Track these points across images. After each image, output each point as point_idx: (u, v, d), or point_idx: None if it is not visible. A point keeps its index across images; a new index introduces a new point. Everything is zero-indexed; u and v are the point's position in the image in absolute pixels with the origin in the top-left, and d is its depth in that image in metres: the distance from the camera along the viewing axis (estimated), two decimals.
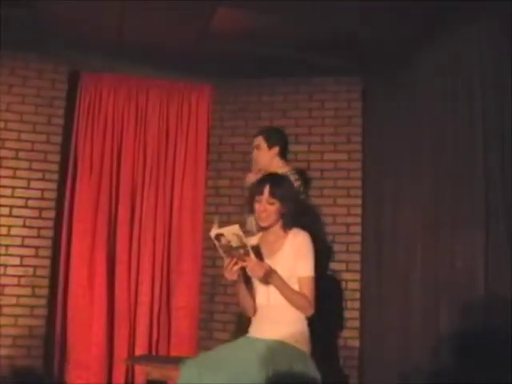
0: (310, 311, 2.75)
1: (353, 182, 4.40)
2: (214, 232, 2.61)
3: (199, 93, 4.80)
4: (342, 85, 4.52)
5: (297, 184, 3.43)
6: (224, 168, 4.63)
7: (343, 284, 4.26)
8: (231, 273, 2.66)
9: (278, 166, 3.53)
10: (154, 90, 4.76)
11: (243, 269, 2.67)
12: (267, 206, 2.80)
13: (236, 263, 2.64)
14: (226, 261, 2.65)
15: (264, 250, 2.81)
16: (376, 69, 4.26)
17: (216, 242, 2.61)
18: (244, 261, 2.62)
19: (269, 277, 2.68)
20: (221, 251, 2.64)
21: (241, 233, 2.58)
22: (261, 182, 2.87)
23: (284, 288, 2.72)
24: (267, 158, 3.60)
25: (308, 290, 2.74)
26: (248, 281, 2.79)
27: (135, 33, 3.98)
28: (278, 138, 3.62)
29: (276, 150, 3.60)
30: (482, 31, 3.08)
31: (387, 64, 4.11)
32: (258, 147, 3.63)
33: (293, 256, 2.75)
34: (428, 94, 3.64)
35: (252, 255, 2.62)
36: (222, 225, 2.71)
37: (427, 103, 3.64)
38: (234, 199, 4.52)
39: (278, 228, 2.85)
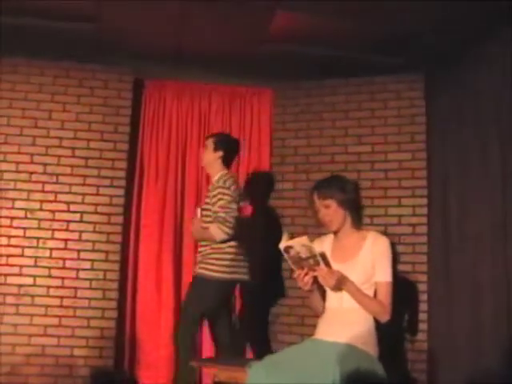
0: (386, 317, 2.71)
1: (418, 181, 4.31)
2: (283, 244, 2.64)
3: (261, 96, 4.83)
4: (404, 83, 4.44)
5: (233, 188, 3.73)
6: (287, 171, 4.63)
7: (410, 286, 4.19)
8: (304, 283, 2.68)
9: (217, 169, 3.86)
10: (216, 95, 4.83)
11: (315, 276, 2.68)
12: (325, 211, 2.79)
13: (307, 273, 2.66)
14: (297, 272, 2.68)
15: (338, 254, 2.80)
16: (439, 66, 4.16)
17: (285, 254, 2.65)
18: (314, 270, 2.64)
19: (341, 284, 2.67)
20: (290, 262, 2.67)
21: (310, 243, 2.60)
22: (309, 193, 2.87)
23: (357, 294, 2.70)
24: (209, 158, 3.91)
25: (385, 296, 2.71)
26: (320, 285, 2.79)
27: (195, 40, 4.05)
28: (225, 145, 3.89)
29: (220, 154, 3.85)
30: None
31: (450, 61, 4.02)
32: (205, 146, 3.95)
33: (372, 261, 2.72)
34: (492, 92, 3.53)
35: (322, 264, 2.62)
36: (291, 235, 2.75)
37: (492, 101, 3.53)
38: (298, 202, 4.51)
39: (349, 229, 2.83)
